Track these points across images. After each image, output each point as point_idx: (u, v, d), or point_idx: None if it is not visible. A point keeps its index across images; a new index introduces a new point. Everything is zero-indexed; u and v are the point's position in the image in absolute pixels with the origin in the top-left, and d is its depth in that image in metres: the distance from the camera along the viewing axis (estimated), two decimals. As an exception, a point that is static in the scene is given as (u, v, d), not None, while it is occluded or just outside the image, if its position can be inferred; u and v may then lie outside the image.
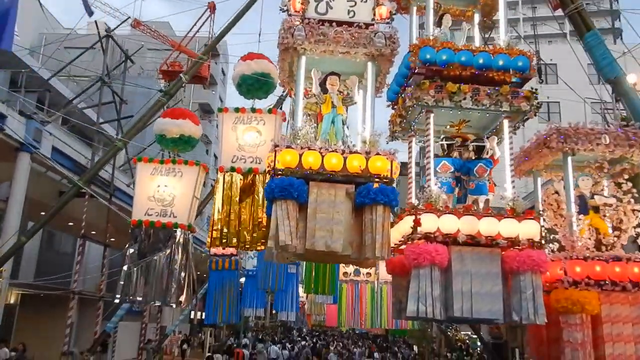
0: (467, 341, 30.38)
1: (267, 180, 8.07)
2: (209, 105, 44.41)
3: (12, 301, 21.47)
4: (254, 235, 8.05)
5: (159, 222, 8.18)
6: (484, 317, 6.07)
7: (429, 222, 6.14)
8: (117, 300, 8.63)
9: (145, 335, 21.74)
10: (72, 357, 14.37)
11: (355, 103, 7.04)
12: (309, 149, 6.09)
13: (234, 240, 8.00)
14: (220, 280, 15.01)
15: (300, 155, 6.05)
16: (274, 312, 39.02)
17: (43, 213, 18.66)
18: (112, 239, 17.68)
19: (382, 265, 18.13)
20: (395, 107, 7.72)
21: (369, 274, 18.15)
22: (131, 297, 8.00)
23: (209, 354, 18.46)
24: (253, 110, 8.19)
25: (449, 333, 27.91)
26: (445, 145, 7.10)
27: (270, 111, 8.26)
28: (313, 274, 13.43)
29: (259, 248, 8.13)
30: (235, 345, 23.88)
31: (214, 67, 42.56)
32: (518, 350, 23.65)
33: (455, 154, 7.12)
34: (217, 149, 41.29)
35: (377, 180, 6.01)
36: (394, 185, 6.09)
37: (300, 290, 26.90)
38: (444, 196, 6.47)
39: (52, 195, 16.77)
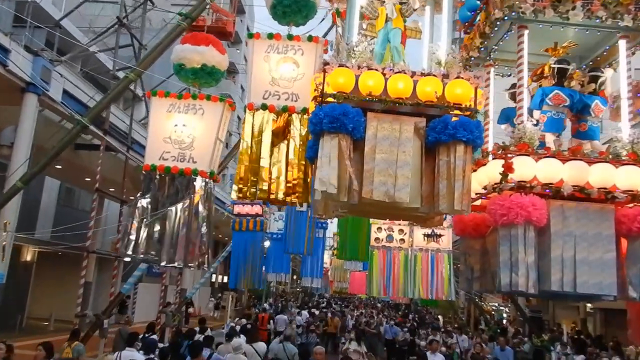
0: (493, 312, 29.16)
1: (309, 114, 6.72)
2: (233, 64, 42.77)
3: (28, 259, 20.81)
4: (288, 185, 6.73)
5: (176, 168, 6.89)
6: (590, 292, 4.65)
7: (524, 168, 4.67)
8: (127, 259, 7.44)
9: (165, 298, 21.02)
10: (87, 319, 13.40)
11: (416, 10, 5.49)
12: (369, 68, 4.63)
13: (265, 191, 6.71)
14: (244, 242, 13.85)
15: (357, 77, 4.60)
16: (294, 277, 38.44)
17: (58, 167, 17.86)
18: (130, 197, 16.62)
19: (416, 231, 17.00)
20: (470, 29, 6.17)
21: (402, 240, 16.85)
22: (142, 256, 6.78)
23: (237, 318, 17.44)
24: (290, 37, 6.79)
25: (480, 303, 26.66)
26: (557, 71, 5.52)
27: (310, 39, 6.84)
28: (347, 238, 12.11)
29: (293, 201, 6.81)
30: (257, 311, 22.99)
31: (239, 25, 40.78)
32: (548, 323, 22.45)
33: (574, 83, 5.55)
34: (240, 110, 39.88)
35: (456, 111, 4.55)
36: (479, 118, 4.62)
37: (326, 256, 25.96)
38: (551, 136, 4.96)
39: (68, 147, 15.69)
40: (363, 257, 11.85)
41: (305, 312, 23.38)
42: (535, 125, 5.14)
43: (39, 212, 21.16)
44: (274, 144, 6.91)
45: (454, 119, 4.47)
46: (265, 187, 6.69)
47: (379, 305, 48.19)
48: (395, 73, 4.59)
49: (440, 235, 16.71)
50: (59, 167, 17.70)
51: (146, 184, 6.97)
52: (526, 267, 4.52)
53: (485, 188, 5.03)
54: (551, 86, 5.42)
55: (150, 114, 7.19)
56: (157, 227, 6.83)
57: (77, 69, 16.38)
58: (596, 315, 22.71)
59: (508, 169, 4.66)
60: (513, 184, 4.66)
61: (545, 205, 4.64)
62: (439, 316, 32.02)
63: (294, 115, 6.81)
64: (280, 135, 6.97)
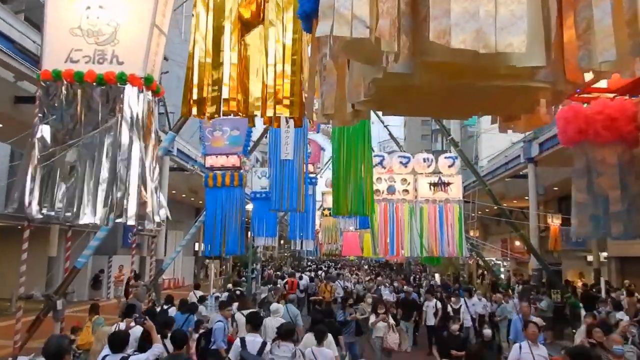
0: (493, 268, 27.40)
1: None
2: None
3: (-22, 234, 18.44)
4: (269, 91, 4.28)
5: (92, 73, 4.33)
6: None
7: None
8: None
9: (140, 271, 18.80)
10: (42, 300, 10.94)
11: None
12: None
13: (229, 100, 4.28)
14: (220, 200, 11.35)
15: None
16: (281, 242, 36.38)
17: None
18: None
19: (421, 180, 14.65)
20: None
21: (405, 191, 14.66)
22: (45, 211, 4.27)
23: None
24: None
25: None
26: None
27: None
28: (343, 189, 9.67)
29: (278, 115, 4.39)
30: (244, 279, 20.87)
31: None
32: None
33: None
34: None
35: None
36: None
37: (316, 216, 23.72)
38: None
39: (6, 101, 13.18)
40: (369, 210, 9.47)
41: (305, 276, 21.56)
42: None
43: (-14, 182, 18.54)
44: (242, 33, 4.43)
45: None
46: (235, 95, 4.25)
47: (366, 266, 46.45)
48: None
49: (448, 184, 14.46)
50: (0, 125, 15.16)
51: (46, 100, 4.41)
52: None
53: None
54: None
55: (48, -8, 4.58)
56: (66, 168, 4.34)
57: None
58: (611, 264, 20.97)
59: None
60: None
61: None
62: (436, 274, 30.23)
63: (272, -11, 4.37)
64: (253, 19, 4.48)
